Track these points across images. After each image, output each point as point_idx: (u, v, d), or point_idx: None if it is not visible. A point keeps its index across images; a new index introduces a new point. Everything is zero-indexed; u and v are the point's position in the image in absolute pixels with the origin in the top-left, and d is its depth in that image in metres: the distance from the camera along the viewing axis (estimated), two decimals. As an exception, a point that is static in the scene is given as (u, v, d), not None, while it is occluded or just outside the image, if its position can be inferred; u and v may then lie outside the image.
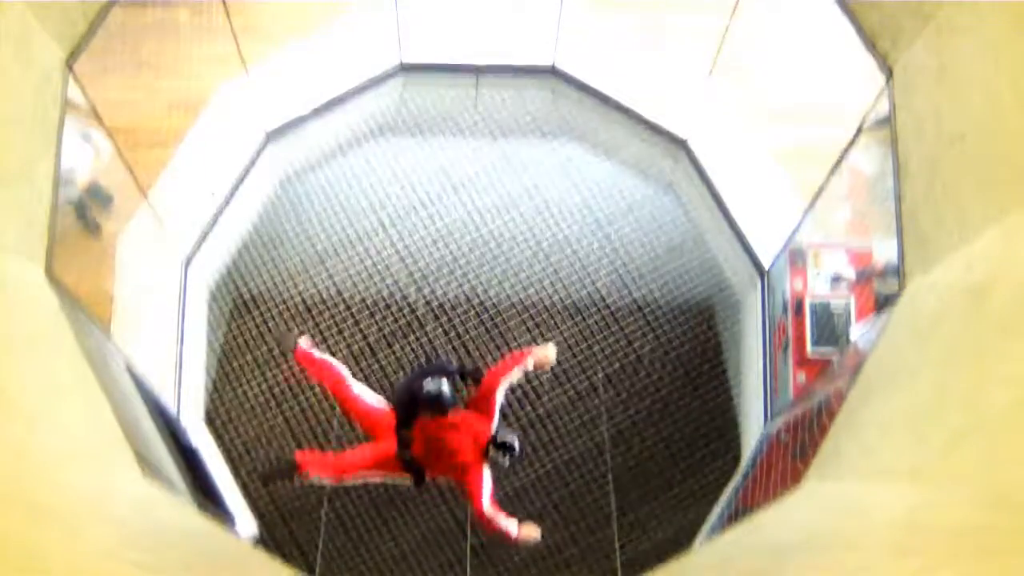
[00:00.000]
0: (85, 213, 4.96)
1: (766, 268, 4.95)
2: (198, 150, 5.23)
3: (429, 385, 3.69)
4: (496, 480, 3.76)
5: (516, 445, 3.67)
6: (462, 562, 5.61)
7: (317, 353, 3.94)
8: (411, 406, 3.77)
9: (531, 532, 3.76)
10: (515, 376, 3.72)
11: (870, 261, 4.24)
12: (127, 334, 4.02)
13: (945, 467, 1.78)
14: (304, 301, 5.68)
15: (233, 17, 4.53)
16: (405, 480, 3.81)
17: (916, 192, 2.58)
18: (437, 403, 3.67)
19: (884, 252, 3.96)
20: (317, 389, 5.76)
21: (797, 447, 3.42)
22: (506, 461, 3.69)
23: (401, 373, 5.81)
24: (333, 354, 5.66)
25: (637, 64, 5.69)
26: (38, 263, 2.69)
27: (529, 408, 5.72)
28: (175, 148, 5.22)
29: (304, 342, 3.96)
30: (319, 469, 3.77)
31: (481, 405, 3.72)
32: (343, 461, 3.78)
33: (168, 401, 4.47)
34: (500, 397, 3.73)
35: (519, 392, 5.61)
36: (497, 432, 3.69)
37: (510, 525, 3.69)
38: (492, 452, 3.65)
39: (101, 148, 4.88)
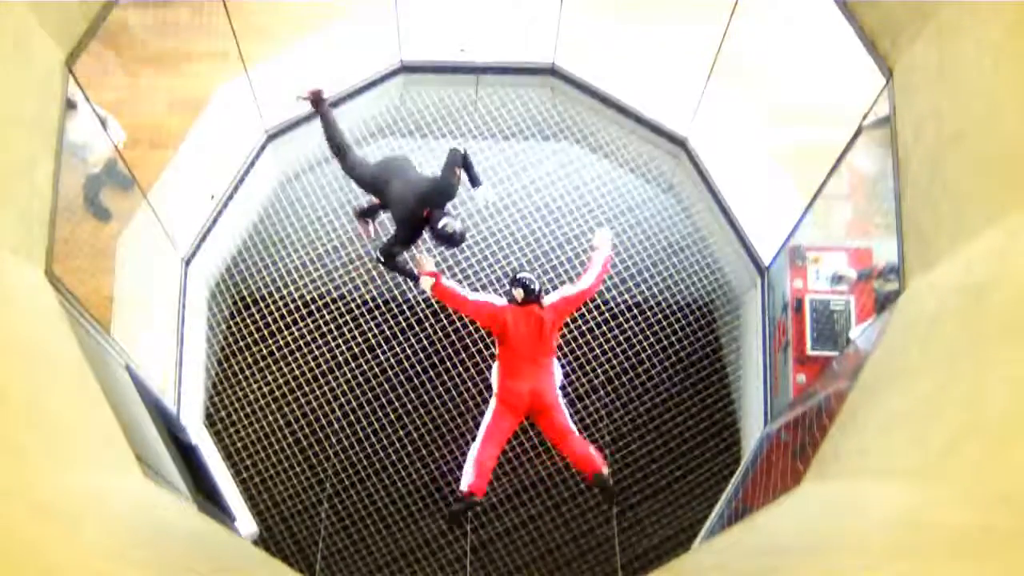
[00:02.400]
0: (97, 196, 4.95)
1: (766, 268, 4.95)
2: (198, 150, 5.24)
3: (454, 225, 3.82)
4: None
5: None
6: (462, 562, 5.61)
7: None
8: (417, 231, 3.97)
9: (604, 238, 4.14)
10: None
11: (870, 261, 4.24)
12: (127, 334, 4.02)
13: (945, 467, 1.78)
14: (304, 301, 5.68)
15: (233, 17, 4.53)
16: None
17: (916, 192, 2.58)
18: (451, 239, 3.85)
19: (884, 252, 3.96)
20: (317, 390, 5.77)
21: (797, 447, 3.42)
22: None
23: (400, 373, 5.82)
24: (333, 355, 5.69)
25: (637, 64, 5.70)
26: (38, 263, 2.69)
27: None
28: (175, 148, 5.23)
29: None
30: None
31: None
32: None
33: (168, 401, 4.47)
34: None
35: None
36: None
37: (595, 264, 4.01)
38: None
39: (119, 133, 4.88)
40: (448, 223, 3.81)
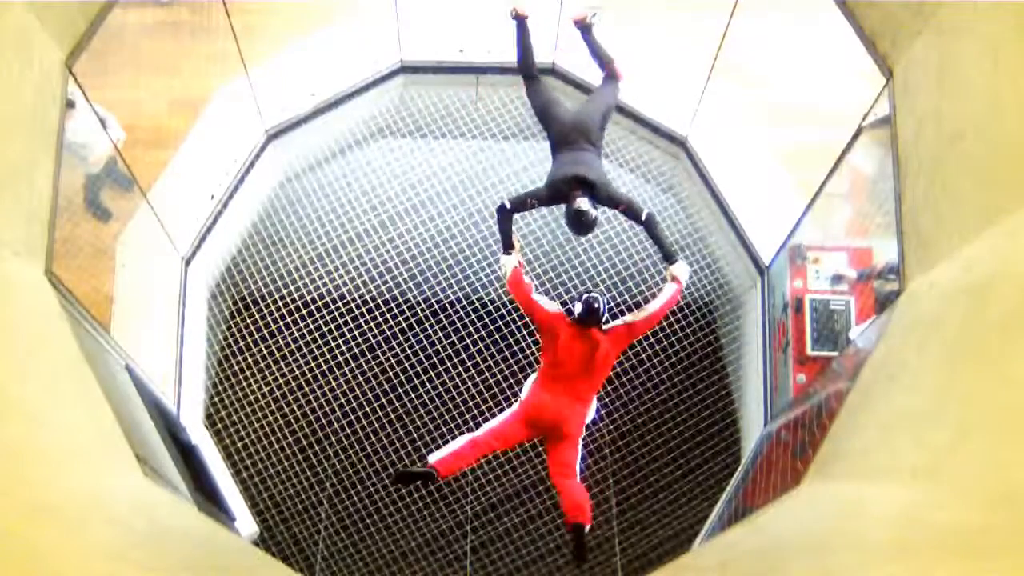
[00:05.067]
0: (97, 197, 4.96)
1: (766, 267, 4.95)
2: (198, 150, 5.24)
3: (591, 209, 3.69)
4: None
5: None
6: (462, 562, 5.61)
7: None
8: (556, 200, 3.87)
9: (683, 271, 3.88)
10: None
11: (870, 261, 4.24)
12: (127, 334, 4.02)
13: (945, 467, 1.78)
14: (304, 301, 5.68)
15: (233, 17, 4.53)
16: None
17: (916, 192, 2.58)
18: (580, 222, 3.71)
19: (884, 252, 3.96)
20: (317, 390, 5.77)
21: (797, 447, 3.43)
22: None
23: (399, 373, 5.82)
24: (333, 355, 5.69)
25: (637, 63, 5.69)
26: (38, 263, 2.69)
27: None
28: (175, 148, 5.23)
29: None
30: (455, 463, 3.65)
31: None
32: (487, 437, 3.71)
33: (168, 401, 4.47)
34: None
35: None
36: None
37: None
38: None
39: (119, 133, 4.87)
40: (585, 204, 3.69)
